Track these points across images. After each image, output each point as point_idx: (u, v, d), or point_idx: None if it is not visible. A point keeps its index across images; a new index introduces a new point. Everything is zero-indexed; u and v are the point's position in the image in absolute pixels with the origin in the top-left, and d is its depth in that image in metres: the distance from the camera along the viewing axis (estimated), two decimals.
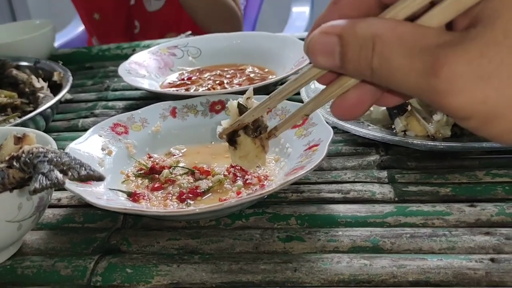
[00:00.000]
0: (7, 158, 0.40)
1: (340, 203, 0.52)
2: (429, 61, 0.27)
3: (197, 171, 0.54)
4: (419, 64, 0.27)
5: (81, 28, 1.67)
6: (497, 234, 0.45)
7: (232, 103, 0.44)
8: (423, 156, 0.57)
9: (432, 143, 0.53)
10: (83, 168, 0.34)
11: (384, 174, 0.55)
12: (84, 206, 0.55)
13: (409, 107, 0.54)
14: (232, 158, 0.45)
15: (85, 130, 0.73)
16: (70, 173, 0.33)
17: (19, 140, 0.41)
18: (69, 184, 0.46)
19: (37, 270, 0.46)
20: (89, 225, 0.52)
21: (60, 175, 0.33)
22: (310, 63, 0.33)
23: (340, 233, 0.47)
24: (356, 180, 0.55)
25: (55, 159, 0.35)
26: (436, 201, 0.51)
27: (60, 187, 0.33)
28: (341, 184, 0.54)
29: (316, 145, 0.52)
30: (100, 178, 0.34)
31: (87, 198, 0.45)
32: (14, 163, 0.37)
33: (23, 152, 0.38)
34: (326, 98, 0.36)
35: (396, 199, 0.52)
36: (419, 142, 0.53)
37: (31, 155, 0.37)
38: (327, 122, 0.55)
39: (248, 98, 0.44)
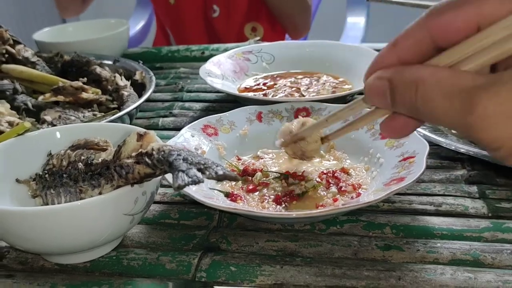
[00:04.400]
0: (133, 154, 0.42)
1: (433, 215, 0.52)
2: (466, 101, 0.31)
3: (290, 177, 0.55)
4: (457, 103, 0.31)
5: (138, 26, 1.70)
6: None
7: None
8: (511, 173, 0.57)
9: None
10: (219, 168, 0.35)
11: (474, 189, 0.56)
12: (177, 203, 0.57)
13: None
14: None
15: (165, 129, 0.76)
16: (208, 172, 0.35)
17: (140, 137, 0.43)
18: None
19: (143, 263, 0.48)
20: (185, 222, 0.54)
21: (199, 173, 0.35)
22: None
23: (439, 245, 0.47)
24: (446, 193, 0.55)
25: (189, 158, 0.37)
26: None
27: (198, 184, 0.35)
28: (431, 196, 0.55)
29: (412, 157, 0.53)
30: (235, 179, 0.35)
31: (200, 198, 0.46)
32: (146, 159, 0.39)
33: (152, 149, 0.40)
34: (378, 116, 0.41)
35: (490, 214, 0.52)
36: None
37: (163, 153, 0.39)
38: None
39: (303, 123, 0.52)
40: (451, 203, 0.54)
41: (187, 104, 0.83)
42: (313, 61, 0.87)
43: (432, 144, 0.61)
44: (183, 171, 0.35)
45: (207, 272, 0.46)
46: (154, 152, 0.39)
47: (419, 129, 0.60)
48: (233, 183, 0.56)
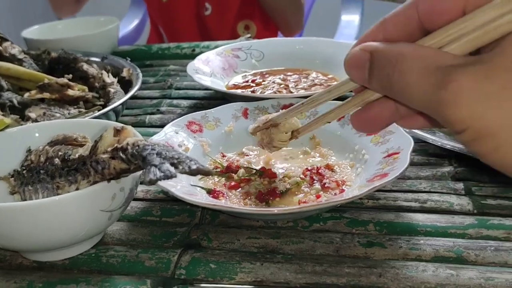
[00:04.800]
0: (109, 149, 0.41)
1: (417, 212, 0.52)
2: (441, 77, 0.31)
3: (265, 174, 0.55)
4: (432, 79, 0.31)
5: (132, 24, 1.70)
6: None
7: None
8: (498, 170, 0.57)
9: None
10: (193, 162, 0.35)
11: (460, 185, 0.55)
12: (160, 200, 0.56)
13: None
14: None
15: (152, 126, 0.76)
16: (181, 167, 0.34)
17: (117, 132, 0.42)
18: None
19: (122, 260, 0.47)
20: (167, 219, 0.53)
21: (171, 168, 0.34)
22: None
23: (422, 242, 0.47)
24: (432, 190, 0.55)
25: (163, 152, 0.36)
26: None
27: (170, 179, 0.34)
28: (417, 193, 0.54)
29: (396, 153, 0.52)
30: (209, 173, 0.35)
31: (181, 195, 0.46)
32: (121, 154, 0.38)
33: (127, 144, 0.39)
34: (349, 108, 0.42)
35: (475, 211, 0.51)
36: None
37: (137, 147, 0.38)
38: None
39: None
40: (436, 199, 0.53)
41: (175, 101, 0.82)
42: (303, 58, 0.86)
43: (419, 140, 0.60)
44: (155, 166, 0.34)
45: (186, 269, 0.45)
46: (128, 147, 0.39)
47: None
48: (216, 180, 0.56)
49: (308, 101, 0.47)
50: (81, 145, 0.47)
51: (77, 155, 0.44)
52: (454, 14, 0.32)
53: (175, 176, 0.34)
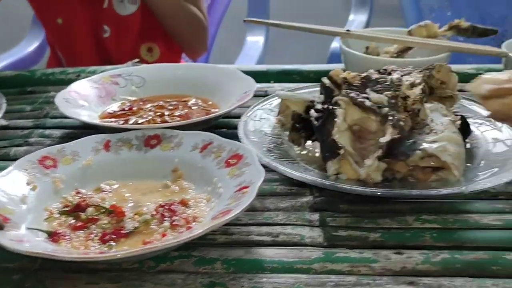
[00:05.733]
0: None
1: (269, 246, 0.51)
2: None
3: (114, 213, 0.52)
4: None
5: (31, 47, 1.63)
6: (421, 284, 0.45)
7: None
8: (356, 199, 0.57)
9: (361, 189, 0.53)
10: None
11: (316, 216, 0.55)
12: None
13: (342, 151, 0.54)
14: None
15: (17, 159, 0.71)
16: None
17: None
18: None
19: None
20: (7, 265, 0.49)
21: None
22: None
23: (265, 279, 0.46)
24: (287, 222, 0.54)
25: None
26: (365, 246, 0.50)
27: None
28: (272, 226, 0.54)
29: (246, 187, 0.51)
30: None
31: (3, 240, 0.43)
32: None
33: None
34: None
35: (326, 244, 0.51)
36: (347, 187, 0.53)
37: None
38: (260, 163, 0.55)
39: None
40: (289, 232, 0.52)
41: (47, 132, 0.78)
42: (184, 83, 0.85)
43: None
44: None
45: None
46: None
47: (264, 158, 0.58)
48: (63, 219, 0.53)
49: None
50: None
51: None
52: None
53: None
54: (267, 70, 0.96)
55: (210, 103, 0.81)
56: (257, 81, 0.91)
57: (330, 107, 0.57)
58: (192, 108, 0.78)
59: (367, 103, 0.56)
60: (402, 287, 0.44)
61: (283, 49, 1.79)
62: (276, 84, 0.91)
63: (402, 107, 0.57)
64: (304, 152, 0.63)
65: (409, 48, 0.85)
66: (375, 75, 0.60)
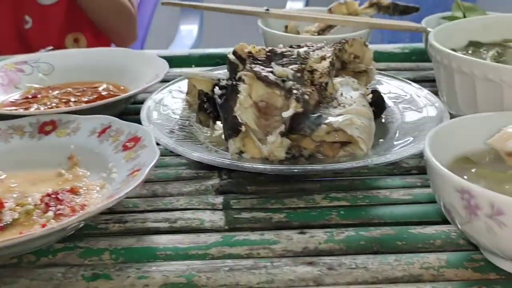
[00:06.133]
0: None
1: (165, 233, 0.47)
2: None
3: None
4: None
5: None
6: (320, 263, 0.42)
7: None
8: (265, 179, 0.54)
9: (262, 166, 0.50)
10: None
11: (219, 199, 0.51)
12: None
13: (243, 128, 0.51)
14: None
15: None
16: None
17: None
18: None
19: None
20: None
21: None
22: None
23: (154, 268, 0.42)
24: (188, 207, 0.50)
25: None
26: (268, 228, 0.47)
27: None
28: (171, 212, 0.50)
29: (138, 170, 0.47)
30: None
31: None
32: None
33: None
34: None
35: (227, 227, 0.48)
36: (247, 165, 0.50)
37: None
38: (157, 143, 0.51)
39: None
40: (188, 217, 0.49)
41: None
42: (96, 70, 0.80)
43: None
44: None
45: None
46: None
47: (162, 140, 0.54)
48: None
49: None
50: None
51: None
52: None
53: None
54: (189, 55, 0.92)
55: (122, 88, 0.76)
56: (179, 66, 0.87)
57: (234, 82, 0.54)
58: (102, 93, 0.74)
59: (271, 77, 0.53)
60: (300, 267, 0.41)
61: (221, 37, 1.74)
62: (198, 69, 0.87)
63: (308, 81, 0.54)
64: (214, 134, 0.60)
65: (331, 27, 0.83)
66: (281, 49, 0.57)
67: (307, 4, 1.76)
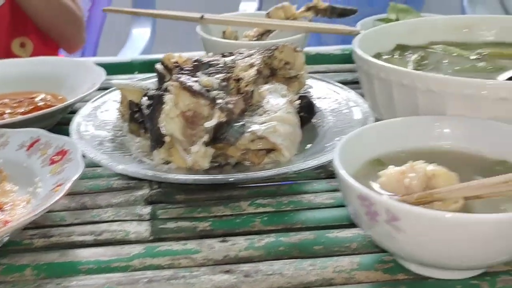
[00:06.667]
0: None
1: (90, 246, 0.47)
2: None
3: None
4: None
5: None
6: (238, 271, 0.43)
7: None
8: (194, 188, 0.54)
9: (184, 177, 0.50)
10: None
11: (147, 210, 0.52)
12: None
13: (167, 139, 0.52)
14: None
15: None
16: None
17: None
18: None
19: None
20: None
21: None
22: None
23: (74, 283, 0.43)
24: (115, 219, 0.51)
25: None
26: (192, 237, 0.48)
27: None
28: (97, 224, 0.50)
29: (61, 185, 0.47)
30: None
31: None
32: None
33: None
34: None
35: (152, 238, 0.48)
36: (170, 176, 0.50)
37: None
38: (84, 156, 0.51)
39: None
40: (114, 229, 0.49)
41: None
42: (34, 79, 0.79)
43: None
44: None
45: None
46: None
47: (88, 152, 0.54)
48: None
49: None
50: None
51: None
52: None
53: None
54: (132, 61, 0.92)
55: (60, 97, 0.76)
56: (121, 72, 0.87)
57: (160, 93, 0.54)
58: (39, 104, 0.73)
59: (196, 87, 0.54)
60: (218, 276, 0.42)
61: (174, 40, 1.74)
62: (140, 75, 0.87)
63: (234, 89, 0.55)
64: (145, 143, 0.60)
65: (269, 32, 0.84)
66: (207, 58, 0.58)
67: (260, 6, 1.77)
